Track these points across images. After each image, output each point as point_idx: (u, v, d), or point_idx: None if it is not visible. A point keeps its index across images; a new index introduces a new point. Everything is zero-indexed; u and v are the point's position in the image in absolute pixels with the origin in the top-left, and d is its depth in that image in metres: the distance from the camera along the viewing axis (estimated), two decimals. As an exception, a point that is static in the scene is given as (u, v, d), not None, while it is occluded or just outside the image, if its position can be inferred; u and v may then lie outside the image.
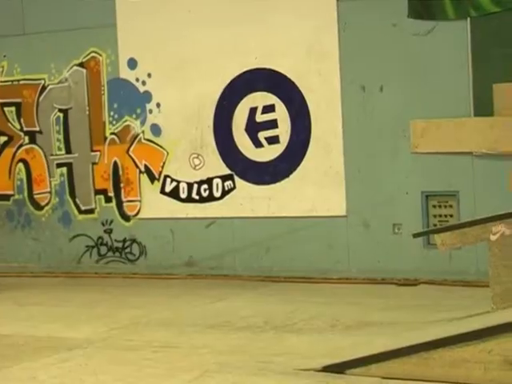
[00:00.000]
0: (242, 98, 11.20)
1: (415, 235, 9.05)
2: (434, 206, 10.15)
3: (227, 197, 11.32)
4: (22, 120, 12.57)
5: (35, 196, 12.54)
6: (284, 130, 10.93)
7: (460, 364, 5.57)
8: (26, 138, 12.57)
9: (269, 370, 6.42)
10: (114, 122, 12.00)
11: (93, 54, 12.03)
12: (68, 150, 12.29)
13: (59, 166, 12.37)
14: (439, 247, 8.23)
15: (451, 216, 9.91)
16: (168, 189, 11.66)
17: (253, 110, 11.15)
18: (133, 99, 11.83)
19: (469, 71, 9.76)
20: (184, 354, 7.17)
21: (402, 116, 10.03)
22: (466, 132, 9.62)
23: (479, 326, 5.80)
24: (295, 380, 6.11)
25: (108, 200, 12.06)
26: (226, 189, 11.34)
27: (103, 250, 12.05)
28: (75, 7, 11.92)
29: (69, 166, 12.33)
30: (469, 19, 9.77)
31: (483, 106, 9.62)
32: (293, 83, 10.86)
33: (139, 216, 11.86)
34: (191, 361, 6.89)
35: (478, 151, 9.62)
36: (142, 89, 11.79)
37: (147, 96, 11.75)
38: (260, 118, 11.13)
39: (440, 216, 10.00)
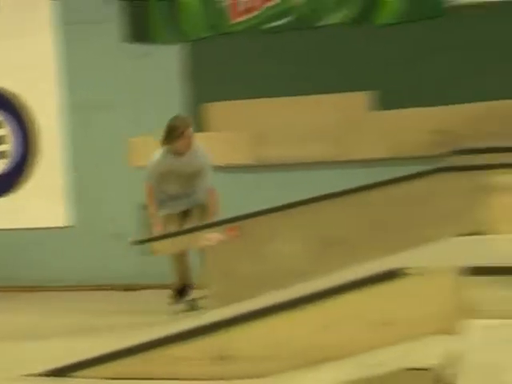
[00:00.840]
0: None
1: (134, 243, 9.04)
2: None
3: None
4: None
5: None
6: (10, 146, 10.97)
7: (180, 361, 5.72)
8: None
9: None
10: None
11: None
12: None
13: None
14: (158, 254, 8.51)
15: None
16: None
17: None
18: None
19: (183, 92, 10.14)
20: None
21: (123, 134, 10.24)
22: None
23: (196, 325, 5.99)
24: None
25: None
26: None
27: None
28: None
29: None
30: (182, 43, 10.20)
31: (199, 124, 10.00)
32: (20, 101, 10.86)
33: None
34: None
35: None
36: None
37: None
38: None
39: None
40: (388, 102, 9.58)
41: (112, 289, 10.29)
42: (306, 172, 9.81)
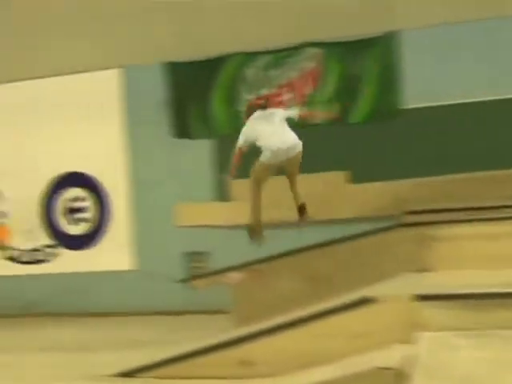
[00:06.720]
0: (62, 191, 11.32)
1: (180, 281, 9.15)
2: (194, 261, 10.42)
3: (54, 259, 11.32)
4: None
5: None
6: (91, 214, 11.19)
7: (213, 365, 5.68)
8: None
9: (80, 377, 6.31)
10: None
11: None
12: None
13: None
14: (197, 288, 8.50)
15: (205, 267, 10.13)
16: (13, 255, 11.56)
17: (69, 200, 11.25)
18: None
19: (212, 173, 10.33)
20: (20, 370, 6.90)
21: (170, 202, 10.29)
22: (213, 211, 10.05)
23: (222, 340, 5.96)
24: (99, 383, 6.08)
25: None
26: (53, 253, 11.34)
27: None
28: None
29: None
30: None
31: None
32: (97, 181, 11.12)
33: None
34: (25, 375, 6.63)
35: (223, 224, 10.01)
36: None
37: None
38: (73, 205, 11.25)
39: (198, 267, 10.24)
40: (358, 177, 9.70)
41: (161, 314, 10.20)
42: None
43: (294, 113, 7.83)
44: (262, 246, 8.08)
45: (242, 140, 7.67)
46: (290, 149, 7.52)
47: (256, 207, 7.87)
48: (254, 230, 7.92)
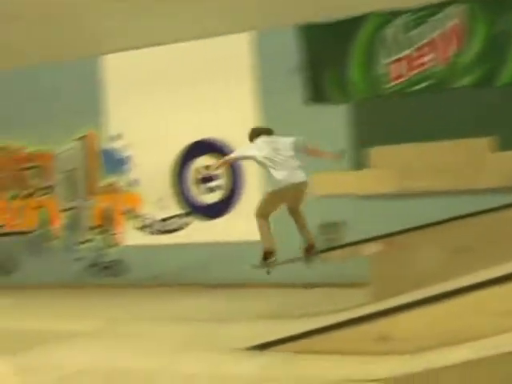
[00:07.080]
0: (194, 159, 11.50)
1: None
2: (328, 232, 10.22)
3: (185, 228, 11.55)
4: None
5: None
6: (223, 181, 11.30)
7: (350, 340, 5.75)
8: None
9: (217, 348, 6.52)
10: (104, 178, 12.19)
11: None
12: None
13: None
14: (333, 260, 8.43)
15: (339, 238, 9.89)
16: (145, 224, 11.87)
17: (200, 167, 11.49)
18: (117, 162, 12.02)
19: (347, 139, 10.04)
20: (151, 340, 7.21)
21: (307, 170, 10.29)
22: (349, 180, 9.98)
23: (360, 314, 5.99)
24: (236, 355, 6.23)
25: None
26: (185, 223, 11.58)
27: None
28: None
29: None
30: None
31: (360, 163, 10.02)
32: (229, 148, 10.97)
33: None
34: (156, 345, 6.92)
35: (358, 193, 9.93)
36: (124, 154, 11.98)
37: (127, 159, 11.97)
38: (205, 173, 11.46)
39: (332, 239, 9.98)
40: (504, 144, 9.30)
41: (295, 287, 10.17)
42: (439, 199, 9.50)
43: (301, 140, 8.01)
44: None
45: (237, 154, 8.28)
46: (296, 177, 7.83)
47: (268, 234, 8.12)
48: (270, 254, 8.08)
